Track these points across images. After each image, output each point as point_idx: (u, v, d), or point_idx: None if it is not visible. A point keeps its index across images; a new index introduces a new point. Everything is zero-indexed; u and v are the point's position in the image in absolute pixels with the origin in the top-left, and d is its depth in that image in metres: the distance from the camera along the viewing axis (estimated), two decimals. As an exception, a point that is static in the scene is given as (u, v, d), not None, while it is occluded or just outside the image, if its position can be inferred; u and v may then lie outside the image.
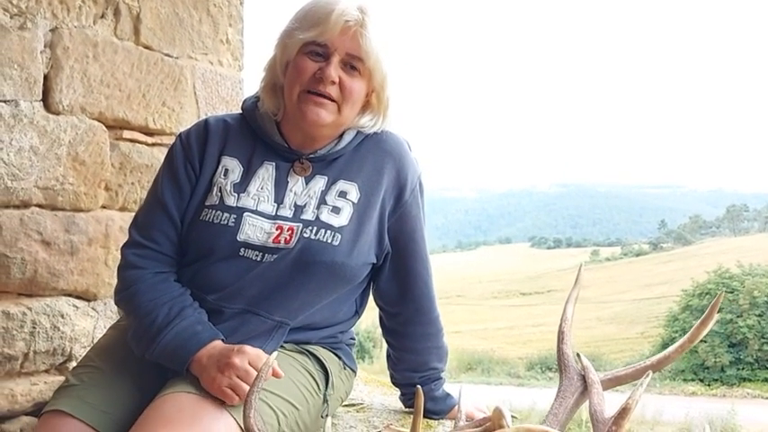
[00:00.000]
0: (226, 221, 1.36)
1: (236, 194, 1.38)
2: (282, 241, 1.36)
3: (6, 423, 1.82)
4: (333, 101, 1.35)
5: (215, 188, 1.39)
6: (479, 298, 46.71)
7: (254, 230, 1.35)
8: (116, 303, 1.48)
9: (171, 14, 2.14)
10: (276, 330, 1.38)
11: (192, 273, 1.40)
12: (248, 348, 1.25)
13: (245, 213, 1.36)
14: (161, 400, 1.20)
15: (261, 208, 1.37)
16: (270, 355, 1.09)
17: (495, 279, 55.75)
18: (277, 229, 1.36)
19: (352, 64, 1.35)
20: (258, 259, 1.36)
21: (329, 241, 1.37)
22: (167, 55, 2.13)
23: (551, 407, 1.10)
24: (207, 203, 1.39)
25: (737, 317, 22.18)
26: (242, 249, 1.36)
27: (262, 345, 1.34)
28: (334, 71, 1.33)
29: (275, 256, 1.36)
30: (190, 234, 1.39)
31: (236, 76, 2.40)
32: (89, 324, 1.97)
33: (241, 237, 1.35)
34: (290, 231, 1.36)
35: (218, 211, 1.37)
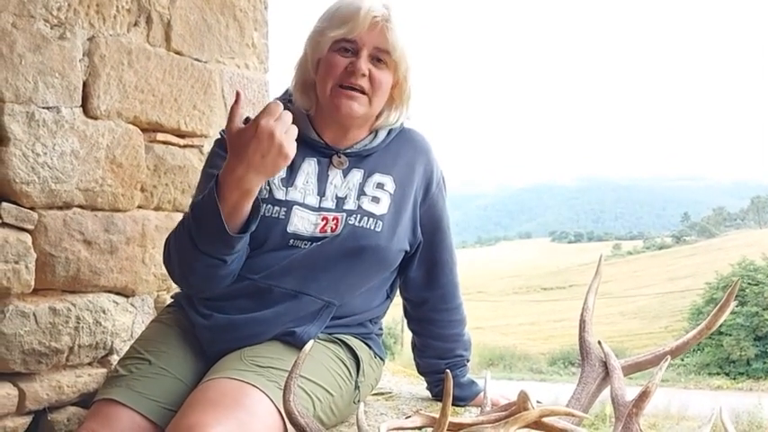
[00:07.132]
0: (277, 214, 1.42)
1: (284, 188, 1.44)
2: (329, 230, 1.43)
3: (55, 413, 1.90)
4: (364, 93, 1.43)
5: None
6: (500, 294, 46.41)
7: (303, 222, 1.43)
8: (176, 277, 1.43)
9: (199, 21, 2.21)
10: (324, 310, 1.45)
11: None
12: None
13: (295, 206, 1.43)
14: (205, 386, 1.26)
15: (307, 201, 1.44)
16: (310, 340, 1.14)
17: (516, 274, 55.35)
18: (323, 220, 1.43)
19: (380, 57, 1.43)
20: (306, 248, 1.43)
21: (372, 228, 1.45)
22: (197, 60, 2.20)
23: (574, 392, 1.14)
24: None
25: (763, 309, 21.80)
26: (291, 240, 1.43)
27: (308, 325, 1.42)
28: (365, 64, 1.41)
29: (322, 243, 1.43)
30: None
31: (262, 79, 2.47)
32: (128, 319, 2.06)
33: (291, 228, 1.42)
34: (335, 221, 1.44)
35: (269, 205, 1.42)
